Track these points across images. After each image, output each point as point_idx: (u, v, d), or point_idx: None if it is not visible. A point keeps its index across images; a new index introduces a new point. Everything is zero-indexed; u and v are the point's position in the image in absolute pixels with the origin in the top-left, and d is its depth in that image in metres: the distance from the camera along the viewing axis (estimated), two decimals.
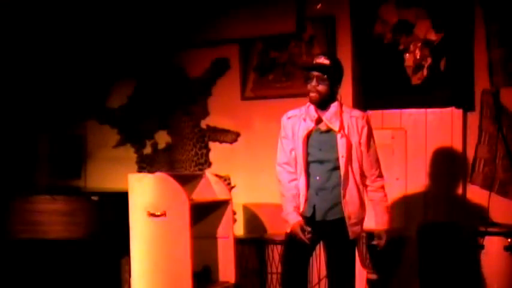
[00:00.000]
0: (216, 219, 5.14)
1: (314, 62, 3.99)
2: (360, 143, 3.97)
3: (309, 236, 3.91)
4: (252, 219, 6.08)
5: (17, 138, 6.96)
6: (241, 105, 6.27)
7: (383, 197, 4.07)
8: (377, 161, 4.07)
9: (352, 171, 3.95)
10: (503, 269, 4.86)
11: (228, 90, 6.33)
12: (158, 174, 4.90)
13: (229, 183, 6.19)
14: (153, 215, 4.78)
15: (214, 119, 6.44)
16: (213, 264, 5.15)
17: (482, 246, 4.88)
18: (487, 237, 4.89)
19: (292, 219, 3.96)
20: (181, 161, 6.59)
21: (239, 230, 5.90)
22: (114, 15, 6.65)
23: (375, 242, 4.05)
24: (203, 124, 6.50)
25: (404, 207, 5.38)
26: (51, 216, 5.40)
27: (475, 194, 5.32)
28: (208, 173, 5.48)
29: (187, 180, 5.14)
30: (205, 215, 5.14)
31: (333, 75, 3.94)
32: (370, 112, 5.59)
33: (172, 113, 6.63)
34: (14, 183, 6.55)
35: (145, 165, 6.76)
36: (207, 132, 6.48)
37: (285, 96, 5.92)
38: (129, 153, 6.85)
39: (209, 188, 5.20)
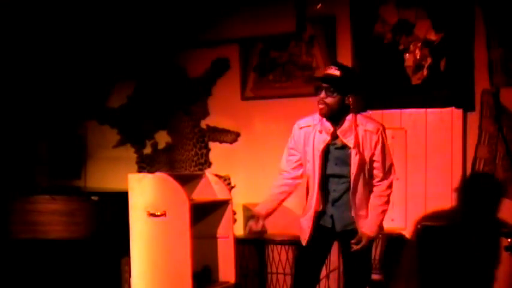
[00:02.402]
0: (216, 219, 5.13)
1: (324, 72, 3.88)
2: (371, 159, 3.87)
3: (260, 229, 4.03)
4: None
5: (17, 138, 6.95)
6: (241, 105, 6.27)
7: (381, 204, 3.95)
8: (387, 167, 3.95)
9: (363, 185, 3.89)
10: (503, 269, 4.86)
11: (228, 90, 6.33)
12: (158, 174, 4.90)
13: (229, 183, 6.19)
14: (153, 215, 4.78)
15: (214, 119, 6.44)
16: (213, 264, 5.14)
17: (482, 246, 4.88)
18: (486, 237, 4.89)
19: (260, 209, 4.06)
20: (181, 161, 6.59)
21: (239, 230, 5.90)
22: (114, 15, 6.65)
23: (352, 241, 3.94)
24: (203, 124, 6.50)
25: (404, 207, 5.38)
26: (51, 216, 5.40)
27: (475, 194, 5.32)
28: (208, 173, 5.48)
29: (187, 180, 5.13)
30: (205, 215, 5.14)
31: (344, 87, 3.80)
32: (370, 112, 5.61)
33: (172, 113, 6.63)
34: (14, 183, 6.55)
35: (145, 165, 6.77)
36: (207, 132, 6.48)
37: (285, 96, 5.93)
38: (129, 153, 6.85)
39: (209, 188, 5.19)
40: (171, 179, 4.77)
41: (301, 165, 4.01)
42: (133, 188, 4.87)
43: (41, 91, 7.04)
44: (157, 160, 6.72)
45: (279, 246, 5.49)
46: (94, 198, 5.44)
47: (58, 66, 7.00)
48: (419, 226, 5.23)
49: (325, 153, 3.89)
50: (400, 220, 5.35)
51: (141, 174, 5.39)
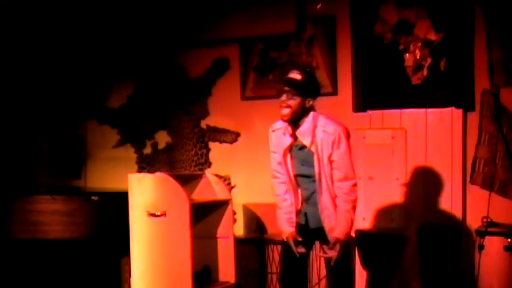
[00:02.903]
0: (216, 219, 5.13)
1: (286, 76, 3.94)
2: (330, 159, 3.91)
3: (301, 250, 4.01)
4: (252, 219, 6.08)
5: (17, 138, 6.96)
6: (241, 105, 6.27)
7: (349, 210, 3.94)
8: (345, 169, 3.96)
9: (327, 184, 3.93)
10: (503, 269, 4.86)
11: (228, 90, 6.33)
12: (158, 174, 4.89)
13: (229, 183, 6.19)
14: (153, 215, 4.78)
15: (214, 119, 6.44)
16: (213, 264, 5.14)
17: (482, 246, 4.88)
18: (487, 237, 4.89)
19: (285, 231, 4.06)
20: (181, 161, 6.59)
21: (239, 230, 5.90)
22: (114, 15, 6.65)
23: (327, 254, 3.97)
24: (203, 124, 6.50)
25: (404, 207, 5.38)
26: (51, 216, 5.39)
27: (475, 194, 5.32)
28: (208, 173, 5.48)
29: (187, 180, 5.13)
30: (205, 215, 5.14)
31: (305, 90, 3.87)
32: (370, 112, 5.62)
33: (172, 113, 6.63)
34: (14, 183, 6.55)
35: (145, 165, 6.77)
36: (207, 132, 6.48)
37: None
38: (129, 153, 6.85)
39: (209, 188, 5.19)
40: (171, 179, 4.77)
41: None
42: (133, 188, 4.87)
43: (41, 91, 7.04)
44: (157, 160, 6.72)
45: (279, 246, 5.48)
46: (94, 198, 5.44)
47: (58, 66, 7.00)
48: (419, 226, 5.23)
49: (292, 154, 4.00)
50: (400, 220, 5.35)
51: (141, 174, 5.39)
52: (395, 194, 5.38)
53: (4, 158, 6.78)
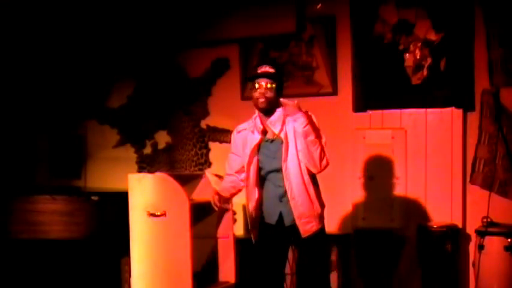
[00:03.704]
0: (216, 219, 5.13)
1: (260, 71, 4.00)
2: (302, 136, 3.89)
3: (225, 205, 4.25)
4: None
5: (17, 138, 6.96)
6: (241, 105, 6.26)
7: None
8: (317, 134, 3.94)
9: (300, 171, 3.92)
10: (503, 269, 4.86)
11: (228, 90, 6.33)
12: (158, 174, 4.89)
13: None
14: (153, 215, 4.78)
15: (214, 119, 6.44)
16: (213, 264, 5.14)
17: (482, 246, 4.88)
18: (487, 237, 4.89)
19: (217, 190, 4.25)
20: (181, 161, 6.60)
21: (239, 230, 5.90)
22: (114, 15, 6.65)
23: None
24: (203, 124, 6.50)
25: (404, 207, 5.38)
26: (51, 216, 5.40)
27: (475, 194, 5.33)
28: (208, 173, 5.47)
29: (187, 180, 5.13)
30: (205, 215, 5.13)
31: (279, 82, 4.00)
32: (370, 112, 5.62)
33: (172, 113, 6.63)
34: (14, 183, 6.55)
35: (145, 165, 6.77)
36: (207, 132, 6.48)
37: (284, 96, 5.90)
38: (129, 153, 6.85)
39: (209, 188, 5.18)
40: (171, 179, 4.77)
41: (243, 168, 4.12)
42: (133, 188, 4.87)
43: (41, 91, 7.04)
44: (157, 160, 6.72)
45: None
46: (94, 198, 5.44)
47: (58, 66, 7.00)
48: (419, 226, 5.23)
49: (262, 151, 4.02)
50: (400, 220, 5.35)
51: (141, 174, 5.39)
52: (395, 194, 5.39)
53: (4, 158, 6.78)
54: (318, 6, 5.88)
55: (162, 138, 6.72)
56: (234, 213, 5.52)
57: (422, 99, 5.47)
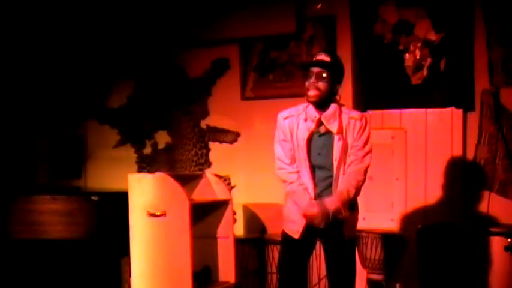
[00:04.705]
0: (216, 219, 5.13)
1: (314, 59, 3.87)
2: (353, 146, 3.84)
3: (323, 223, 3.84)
4: (252, 219, 6.08)
5: (17, 138, 6.95)
6: (241, 105, 6.26)
7: (350, 185, 3.81)
8: (364, 152, 3.87)
9: (344, 174, 3.85)
10: (503, 269, 4.86)
11: (228, 90, 6.33)
12: (158, 174, 4.90)
13: (229, 183, 6.19)
14: (153, 215, 4.78)
15: (214, 119, 6.44)
16: (213, 264, 5.14)
17: (482, 246, 4.88)
18: (487, 237, 4.89)
19: (309, 209, 3.84)
20: (181, 161, 6.59)
21: (239, 230, 5.90)
22: (114, 15, 6.65)
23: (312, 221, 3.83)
24: (203, 124, 6.50)
25: (404, 207, 5.38)
26: (51, 216, 5.39)
27: (475, 194, 5.32)
28: (208, 173, 5.48)
29: (187, 180, 5.13)
30: (205, 215, 5.14)
31: (333, 73, 3.82)
32: (370, 112, 5.61)
33: (172, 113, 6.63)
34: (14, 183, 6.54)
35: (145, 165, 6.76)
36: (207, 132, 6.48)
37: (285, 96, 5.91)
38: (129, 153, 6.85)
39: (209, 188, 5.19)
40: (171, 179, 4.77)
41: (295, 157, 3.93)
42: (133, 188, 4.87)
43: (41, 91, 7.04)
44: (157, 160, 6.72)
45: (279, 246, 5.48)
46: (94, 198, 5.44)
47: (58, 66, 7.00)
48: (419, 226, 5.23)
49: (310, 142, 3.86)
50: (400, 220, 5.35)
51: (141, 174, 5.40)
52: (395, 194, 5.39)
53: (4, 158, 6.77)
54: (318, 6, 5.88)
55: (162, 138, 6.72)
56: (234, 213, 5.53)
57: (422, 99, 5.47)
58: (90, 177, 6.99)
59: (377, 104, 5.62)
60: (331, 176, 3.86)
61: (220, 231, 5.14)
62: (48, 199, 5.44)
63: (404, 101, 5.54)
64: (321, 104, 3.82)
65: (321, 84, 3.78)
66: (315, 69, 3.79)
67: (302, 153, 3.86)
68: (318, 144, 3.86)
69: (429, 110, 5.42)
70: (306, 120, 3.86)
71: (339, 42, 5.83)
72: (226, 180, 6.14)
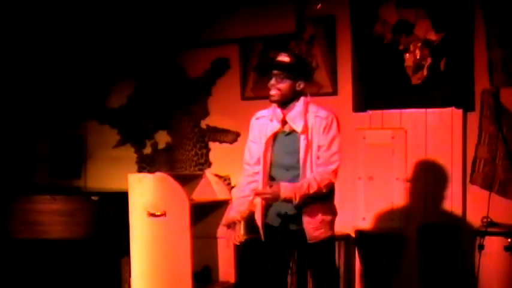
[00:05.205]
0: (216, 219, 5.13)
1: (275, 59, 3.83)
2: (320, 146, 3.76)
3: (239, 239, 3.97)
4: (252, 219, 6.06)
5: (17, 138, 6.95)
6: (241, 105, 6.26)
7: (314, 180, 3.70)
8: (331, 153, 3.77)
9: (311, 173, 3.76)
10: (503, 269, 4.86)
11: (228, 90, 6.33)
12: (158, 174, 4.89)
13: (229, 183, 6.19)
14: (153, 215, 4.78)
15: (214, 119, 6.44)
16: (213, 264, 5.14)
17: (482, 246, 4.88)
18: (487, 237, 4.89)
19: (231, 215, 4.01)
20: (181, 161, 6.59)
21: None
22: (114, 15, 6.65)
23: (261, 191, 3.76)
24: (203, 124, 6.50)
25: (404, 207, 5.38)
26: (51, 216, 5.39)
27: (475, 194, 5.32)
28: (208, 173, 5.48)
29: (187, 180, 5.13)
30: (205, 215, 5.14)
31: (294, 72, 3.76)
32: (370, 112, 5.61)
33: (172, 113, 6.63)
34: (14, 183, 6.54)
35: (145, 165, 6.76)
36: (207, 132, 6.48)
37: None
38: (129, 153, 6.85)
39: (209, 188, 5.19)
40: (171, 179, 4.77)
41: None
42: (133, 188, 4.87)
43: (41, 91, 7.04)
44: (157, 160, 6.72)
45: None
46: (94, 198, 5.44)
47: (58, 66, 7.00)
48: (419, 226, 5.23)
49: (277, 142, 3.83)
50: (400, 220, 5.35)
51: (141, 174, 5.39)
52: (395, 194, 5.38)
53: (4, 158, 6.77)
54: (318, 6, 5.88)
55: (162, 138, 6.72)
56: None
57: (422, 99, 5.47)
58: (90, 177, 6.99)
59: (377, 104, 5.62)
60: (299, 176, 3.80)
61: (221, 231, 5.14)
62: (48, 199, 5.44)
63: (404, 101, 5.54)
64: (286, 104, 3.80)
65: (282, 85, 3.76)
66: (275, 71, 3.78)
67: (265, 153, 3.85)
68: (285, 144, 3.83)
69: (429, 110, 5.42)
70: (272, 120, 3.86)
71: (339, 42, 5.83)
72: (226, 180, 6.14)
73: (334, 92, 5.85)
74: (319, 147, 3.77)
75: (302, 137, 3.76)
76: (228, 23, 6.25)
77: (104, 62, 6.84)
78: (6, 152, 6.81)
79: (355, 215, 5.49)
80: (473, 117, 5.35)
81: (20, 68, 6.88)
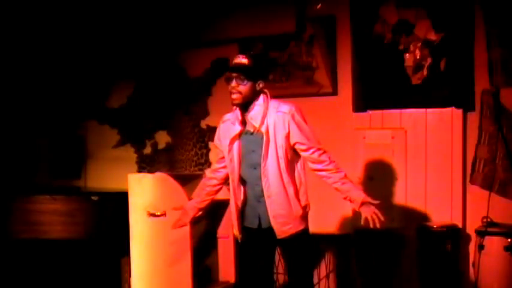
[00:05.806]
0: (216, 219, 5.13)
1: (233, 62, 3.87)
2: (287, 137, 3.74)
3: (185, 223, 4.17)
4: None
5: (17, 138, 6.96)
6: None
7: (340, 175, 3.80)
8: (315, 142, 3.80)
9: (279, 169, 3.74)
10: (503, 269, 4.86)
11: (228, 90, 6.30)
12: (158, 174, 4.90)
13: (229, 183, 6.17)
14: (153, 215, 4.78)
15: (214, 119, 6.43)
16: (213, 264, 5.14)
17: (482, 246, 4.88)
18: (487, 237, 4.89)
19: (187, 206, 4.20)
20: (181, 161, 6.60)
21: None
22: (114, 15, 6.65)
23: (368, 218, 3.76)
24: (203, 124, 6.50)
25: (404, 207, 5.38)
26: (51, 216, 5.40)
27: (475, 194, 5.33)
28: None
29: (187, 180, 5.13)
30: (205, 215, 5.14)
31: (253, 74, 3.78)
32: (370, 112, 5.61)
33: (172, 113, 6.63)
34: (14, 183, 6.55)
35: (145, 165, 6.77)
36: (207, 132, 6.47)
37: (285, 96, 5.88)
38: (129, 153, 6.86)
39: None
40: (171, 179, 4.77)
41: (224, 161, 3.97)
42: (133, 188, 4.87)
43: (41, 91, 7.04)
44: (157, 160, 6.72)
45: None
46: (94, 198, 5.44)
47: (58, 66, 7.00)
48: (419, 226, 5.23)
49: (242, 143, 3.85)
50: (400, 220, 5.35)
51: (141, 174, 5.39)
52: (395, 194, 5.39)
53: (4, 158, 6.78)
54: (318, 6, 5.88)
55: (162, 138, 6.72)
56: None
57: (422, 99, 5.47)
58: (90, 177, 6.99)
59: (377, 104, 5.62)
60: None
61: (220, 231, 5.14)
62: (48, 199, 5.44)
63: (404, 101, 5.54)
64: (247, 105, 3.83)
65: (242, 88, 3.79)
66: (234, 73, 3.80)
67: (230, 156, 3.88)
68: (249, 143, 3.83)
69: (429, 110, 5.42)
70: (234, 123, 3.89)
71: (339, 42, 5.83)
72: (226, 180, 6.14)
73: (334, 92, 5.85)
74: (297, 143, 3.77)
75: (264, 135, 3.76)
76: (228, 23, 6.25)
77: (104, 62, 6.85)
78: (6, 152, 6.82)
79: (354, 214, 5.49)
80: (473, 117, 5.35)
81: (20, 68, 6.88)
